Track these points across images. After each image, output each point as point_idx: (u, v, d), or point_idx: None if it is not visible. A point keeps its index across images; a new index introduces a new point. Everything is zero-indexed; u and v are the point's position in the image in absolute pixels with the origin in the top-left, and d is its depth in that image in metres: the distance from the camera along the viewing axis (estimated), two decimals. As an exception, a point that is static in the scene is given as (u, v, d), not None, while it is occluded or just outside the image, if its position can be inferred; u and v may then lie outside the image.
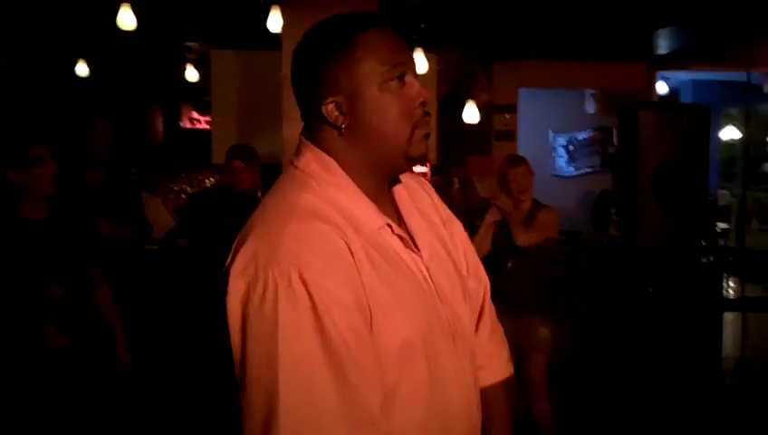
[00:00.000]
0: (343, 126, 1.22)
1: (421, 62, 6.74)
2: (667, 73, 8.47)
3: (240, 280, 1.13)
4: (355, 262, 1.16)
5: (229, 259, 1.20)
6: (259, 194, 4.58)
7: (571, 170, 9.09)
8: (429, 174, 7.42)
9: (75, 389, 2.87)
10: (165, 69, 7.58)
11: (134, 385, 3.29)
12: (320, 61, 1.22)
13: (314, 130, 1.27)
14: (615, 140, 8.14)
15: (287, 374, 1.07)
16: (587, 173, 8.85)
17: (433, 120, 7.95)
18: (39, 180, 2.88)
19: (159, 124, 7.91)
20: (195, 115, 7.94)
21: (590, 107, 8.56)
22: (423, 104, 1.26)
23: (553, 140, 9.21)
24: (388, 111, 1.22)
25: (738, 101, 8.73)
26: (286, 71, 4.38)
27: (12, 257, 2.80)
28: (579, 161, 8.99)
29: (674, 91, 9.31)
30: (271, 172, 4.94)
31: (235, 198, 4.37)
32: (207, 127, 7.68)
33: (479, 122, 7.60)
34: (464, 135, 7.91)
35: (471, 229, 2.64)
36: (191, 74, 7.50)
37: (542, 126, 8.87)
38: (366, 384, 1.11)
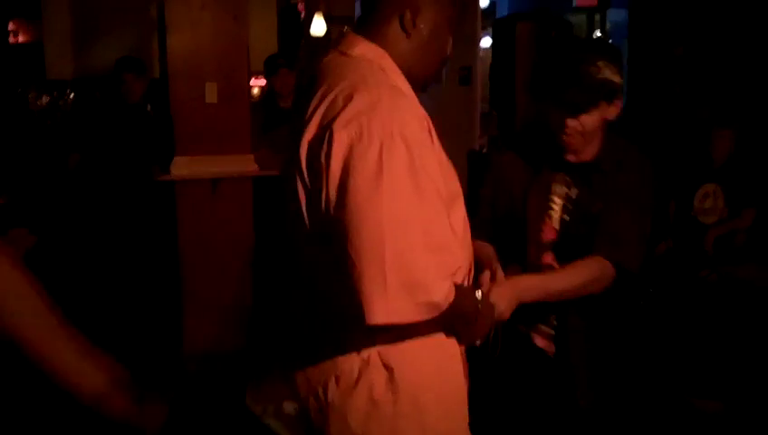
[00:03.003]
0: (411, 33, 1.55)
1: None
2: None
3: (343, 133, 1.34)
4: (431, 137, 1.47)
5: (321, 113, 1.40)
6: (149, 107, 4.56)
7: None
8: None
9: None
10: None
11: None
12: None
13: (378, 27, 1.56)
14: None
15: (389, 211, 1.30)
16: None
17: (274, 31, 8.01)
18: None
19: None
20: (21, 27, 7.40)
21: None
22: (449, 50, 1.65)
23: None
24: (440, 41, 1.59)
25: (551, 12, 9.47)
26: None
27: None
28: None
29: (492, 2, 9.89)
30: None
31: (125, 109, 4.38)
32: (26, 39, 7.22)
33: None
34: (305, 45, 8.02)
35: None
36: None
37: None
38: (444, 228, 1.40)
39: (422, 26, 1.54)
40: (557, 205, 2.09)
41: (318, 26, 7.51)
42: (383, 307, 1.30)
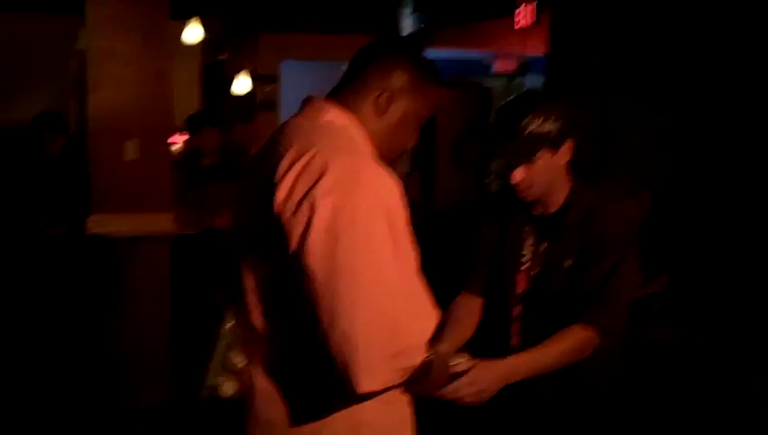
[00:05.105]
0: (381, 116, 1.61)
1: (196, 31, 6.75)
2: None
3: (327, 200, 1.36)
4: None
5: (291, 179, 1.41)
6: (67, 162, 4.47)
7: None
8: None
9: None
10: None
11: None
12: (400, 68, 1.62)
13: (355, 98, 1.61)
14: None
15: (374, 278, 1.35)
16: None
17: (197, 88, 7.99)
18: None
19: None
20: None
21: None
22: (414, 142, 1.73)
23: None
24: (405, 131, 1.66)
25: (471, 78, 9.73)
26: (96, 42, 4.29)
27: None
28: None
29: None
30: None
31: (44, 164, 4.30)
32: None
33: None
34: (230, 103, 8.01)
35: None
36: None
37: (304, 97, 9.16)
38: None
39: (394, 111, 1.60)
40: (526, 258, 2.11)
41: (242, 84, 7.53)
42: (369, 375, 1.34)
